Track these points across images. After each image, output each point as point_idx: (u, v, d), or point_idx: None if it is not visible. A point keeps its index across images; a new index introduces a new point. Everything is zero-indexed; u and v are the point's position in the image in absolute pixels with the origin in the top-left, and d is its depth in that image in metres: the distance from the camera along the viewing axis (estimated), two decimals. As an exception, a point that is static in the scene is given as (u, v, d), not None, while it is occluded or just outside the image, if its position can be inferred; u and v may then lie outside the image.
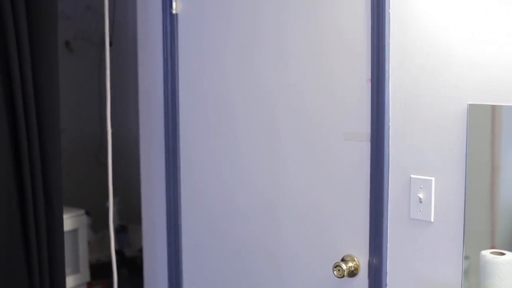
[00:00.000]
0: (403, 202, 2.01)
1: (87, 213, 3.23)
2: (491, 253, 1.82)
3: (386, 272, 2.06)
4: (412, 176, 1.98)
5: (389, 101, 2.00)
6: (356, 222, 2.11)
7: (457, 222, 1.90)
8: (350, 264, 2.11)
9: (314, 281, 2.23)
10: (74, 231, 3.09)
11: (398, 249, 2.03)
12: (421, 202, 1.96)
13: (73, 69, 3.75)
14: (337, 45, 2.11)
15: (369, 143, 2.05)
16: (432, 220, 1.95)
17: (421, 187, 1.96)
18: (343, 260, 2.13)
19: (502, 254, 1.81)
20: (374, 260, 2.07)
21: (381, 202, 2.04)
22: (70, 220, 3.03)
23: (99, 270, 3.43)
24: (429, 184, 1.95)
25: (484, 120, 1.84)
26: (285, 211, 2.28)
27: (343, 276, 2.09)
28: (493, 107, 1.81)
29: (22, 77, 2.14)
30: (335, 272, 2.10)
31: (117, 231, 3.65)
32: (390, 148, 2.02)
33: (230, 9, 2.36)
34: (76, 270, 3.12)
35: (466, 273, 1.90)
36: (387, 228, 2.05)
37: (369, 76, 2.03)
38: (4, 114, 2.13)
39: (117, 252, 3.41)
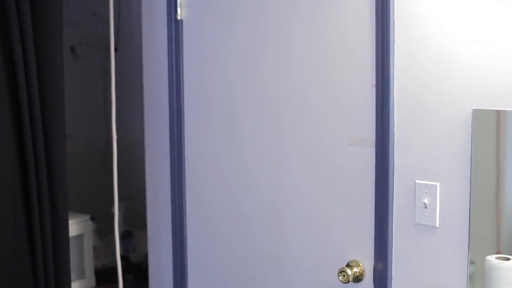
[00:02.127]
0: (408, 207, 2.01)
1: (93, 218, 3.24)
2: (497, 258, 1.82)
3: (391, 278, 2.06)
4: (417, 181, 1.98)
5: (393, 107, 2.00)
6: (361, 228, 2.10)
7: (462, 227, 1.90)
8: (355, 269, 2.10)
9: (319, 287, 2.23)
10: (80, 237, 3.09)
11: (403, 254, 2.03)
12: (426, 207, 1.96)
13: (78, 75, 3.76)
14: (341, 50, 2.11)
15: (374, 149, 2.05)
16: (437, 225, 1.95)
17: (426, 192, 1.96)
18: (348, 265, 2.13)
19: (508, 259, 1.81)
20: (379, 266, 2.07)
21: (386, 208, 2.04)
22: (75, 226, 3.03)
23: (104, 276, 3.43)
24: (434, 189, 1.94)
25: (489, 125, 1.84)
26: (290, 216, 2.28)
27: (348, 281, 2.09)
28: (498, 112, 1.81)
29: (28, 83, 2.14)
30: (340, 277, 2.10)
31: (122, 237, 3.65)
32: (395, 154, 2.02)
33: (234, 15, 2.36)
34: (81, 276, 3.12)
35: (471, 278, 1.89)
36: (392, 233, 2.05)
37: (374, 82, 2.03)
38: (10, 119, 2.13)
39: (122, 257, 3.40)
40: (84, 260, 3.12)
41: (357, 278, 2.11)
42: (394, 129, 2.01)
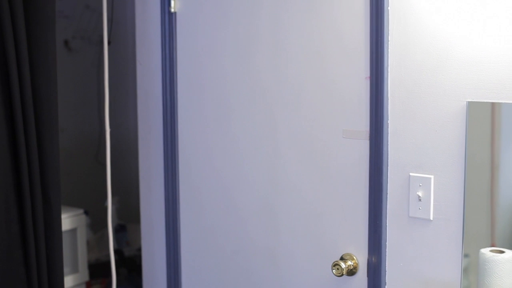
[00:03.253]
0: (402, 200, 2.00)
1: (86, 212, 3.23)
2: (491, 251, 1.82)
3: (385, 271, 2.06)
4: (411, 174, 1.98)
5: (388, 99, 2.00)
6: (355, 221, 2.10)
7: (457, 220, 1.90)
8: (349, 262, 2.10)
9: (313, 280, 2.22)
10: (73, 231, 3.09)
11: (397, 247, 2.03)
12: (420, 200, 1.96)
13: (72, 68, 3.75)
14: (335, 43, 2.10)
15: (368, 141, 2.05)
16: (431, 218, 1.95)
17: (420, 185, 1.96)
18: (342, 259, 2.12)
19: (502, 252, 1.81)
20: (373, 259, 2.07)
21: (380, 201, 2.03)
22: (69, 220, 3.02)
23: (98, 270, 3.43)
24: (428, 182, 1.94)
25: (483, 118, 1.84)
26: (283, 210, 2.28)
27: (342, 274, 2.09)
28: (493, 105, 1.80)
29: (20, 77, 2.13)
30: (334, 271, 2.09)
31: (116, 231, 3.65)
32: (389, 146, 2.02)
33: (228, 7, 2.35)
34: (75, 270, 3.11)
35: (465, 271, 1.89)
36: (386, 226, 2.04)
37: (368, 74, 2.03)
38: (2, 113, 2.12)
39: (116, 251, 3.41)
40: (78, 254, 3.11)
41: (351, 271, 2.11)
42: (388, 122, 2.01)
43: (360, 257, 2.11)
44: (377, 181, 2.03)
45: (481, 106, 1.82)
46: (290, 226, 2.27)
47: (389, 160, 2.02)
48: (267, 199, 2.32)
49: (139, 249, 2.93)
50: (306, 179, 2.21)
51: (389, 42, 1.98)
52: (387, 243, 2.05)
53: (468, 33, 1.84)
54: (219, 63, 2.40)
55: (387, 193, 2.03)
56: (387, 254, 2.05)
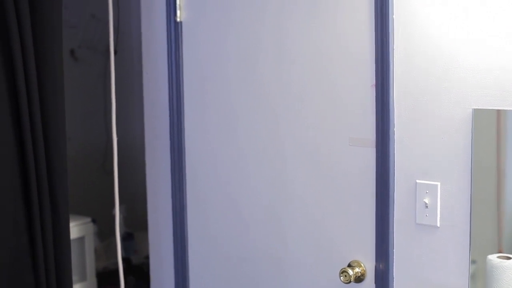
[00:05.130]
0: (409, 207, 2.01)
1: (94, 221, 3.24)
2: (498, 257, 1.82)
3: (393, 278, 2.06)
4: (417, 181, 1.98)
5: (393, 107, 2.01)
6: (362, 228, 2.11)
7: (463, 226, 1.90)
8: (357, 269, 2.10)
9: (320, 287, 2.23)
10: (81, 239, 3.09)
11: (405, 254, 2.03)
12: (427, 207, 1.96)
13: (78, 78, 3.76)
14: (341, 51, 2.11)
15: (374, 149, 2.05)
16: (438, 225, 1.95)
17: (426, 192, 1.96)
18: (349, 266, 2.13)
19: (509, 258, 1.81)
20: (380, 266, 2.07)
21: (387, 208, 2.04)
22: (76, 228, 3.03)
23: (106, 278, 3.43)
24: (435, 189, 1.94)
25: (489, 125, 1.84)
26: (290, 217, 2.28)
27: (350, 282, 2.09)
28: (498, 112, 1.81)
29: (27, 86, 2.14)
30: (341, 278, 2.10)
31: (123, 239, 3.65)
32: (395, 154, 2.02)
33: (233, 16, 2.36)
34: (83, 278, 3.12)
35: (473, 277, 1.90)
36: (393, 233, 2.05)
37: (374, 82, 2.03)
38: (10, 123, 2.13)
39: (124, 259, 3.41)
40: (86, 262, 3.12)
41: (359, 279, 2.11)
42: (395, 129, 2.01)
43: (368, 264, 2.11)
44: (384, 189, 2.04)
45: (486, 113, 1.82)
46: (296, 234, 2.27)
47: (395, 168, 2.02)
48: (274, 207, 2.33)
49: (147, 257, 2.93)
50: (312, 186, 2.22)
51: (394, 50, 1.99)
52: (394, 250, 2.05)
53: (473, 40, 1.84)
54: (225, 71, 2.41)
55: (394, 200, 2.04)
56: (394, 261, 2.05)
